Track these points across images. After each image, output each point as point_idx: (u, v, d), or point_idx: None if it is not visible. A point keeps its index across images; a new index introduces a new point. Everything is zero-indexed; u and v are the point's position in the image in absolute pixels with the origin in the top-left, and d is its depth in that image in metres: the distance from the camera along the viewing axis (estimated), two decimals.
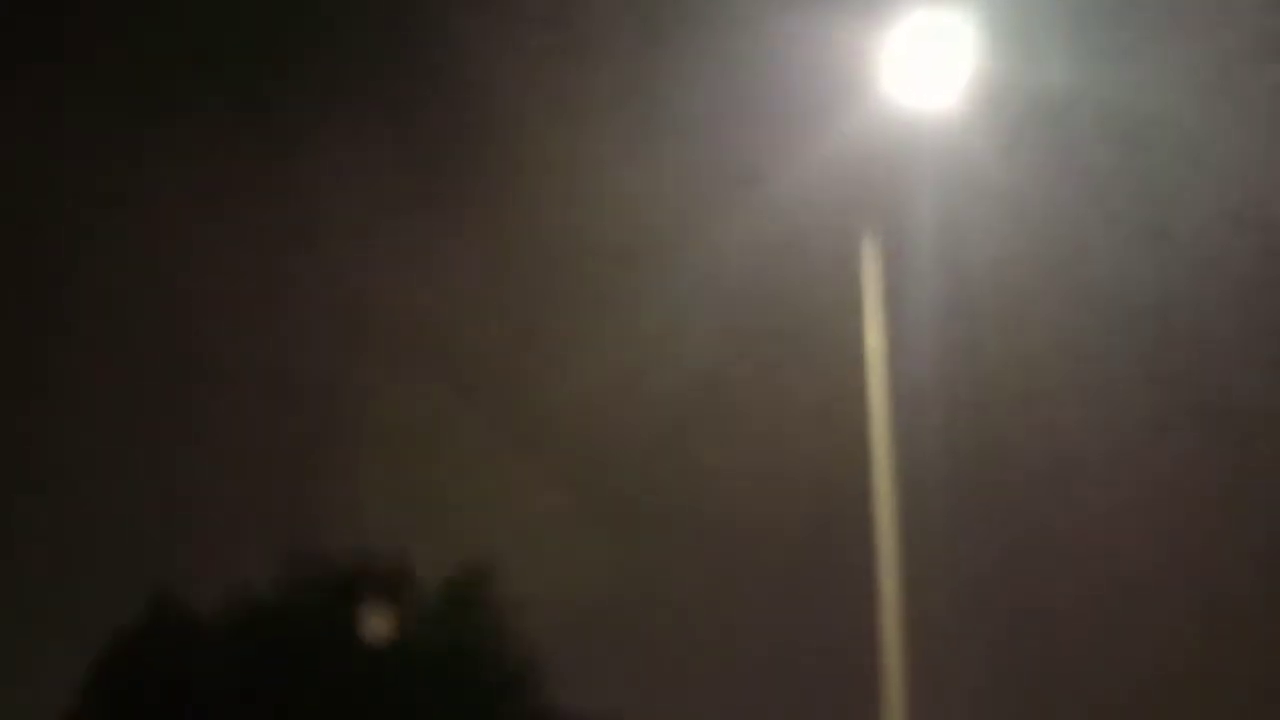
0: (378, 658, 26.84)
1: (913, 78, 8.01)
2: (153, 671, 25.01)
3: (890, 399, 9.78)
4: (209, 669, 25.84)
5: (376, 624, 30.31)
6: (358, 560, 29.69)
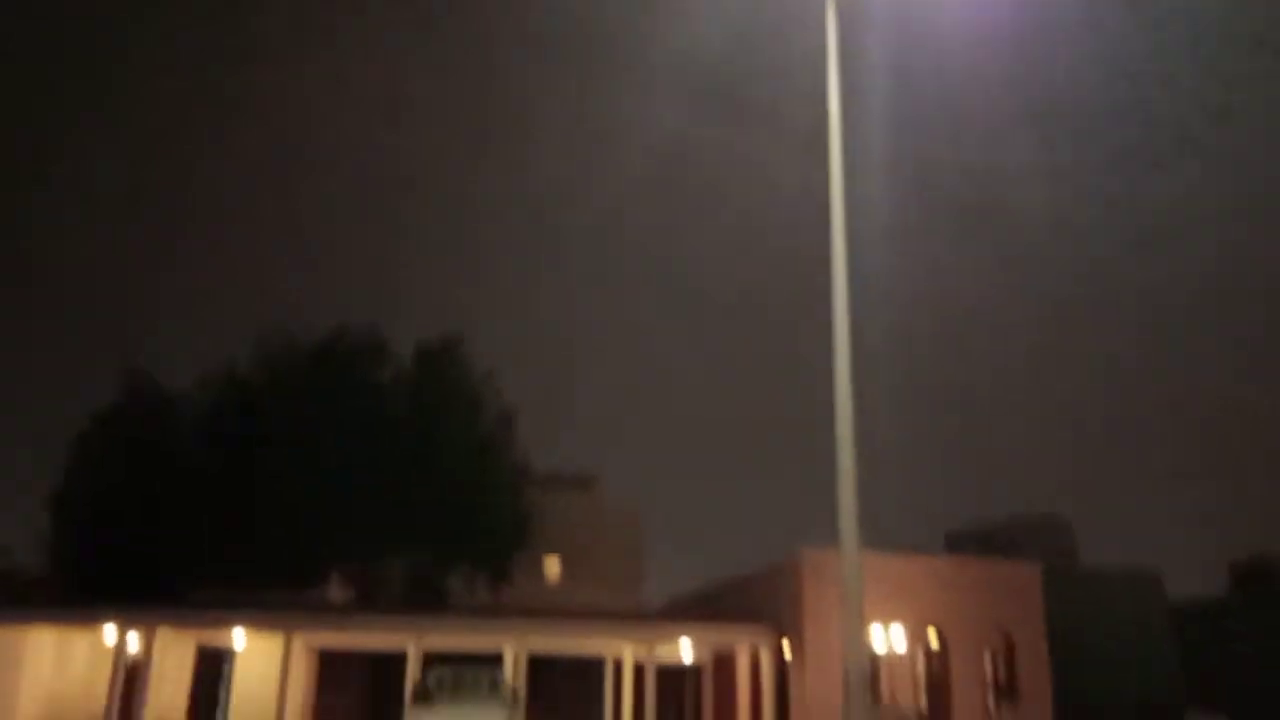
0: (353, 426, 27.62)
1: None
2: (131, 446, 26.15)
3: (846, 169, 10.17)
4: (183, 441, 26.86)
5: (351, 394, 31.07)
6: (331, 334, 30.82)
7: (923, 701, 26.79)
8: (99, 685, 25.17)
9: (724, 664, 31.29)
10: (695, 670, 33.28)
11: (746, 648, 28.81)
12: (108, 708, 24.21)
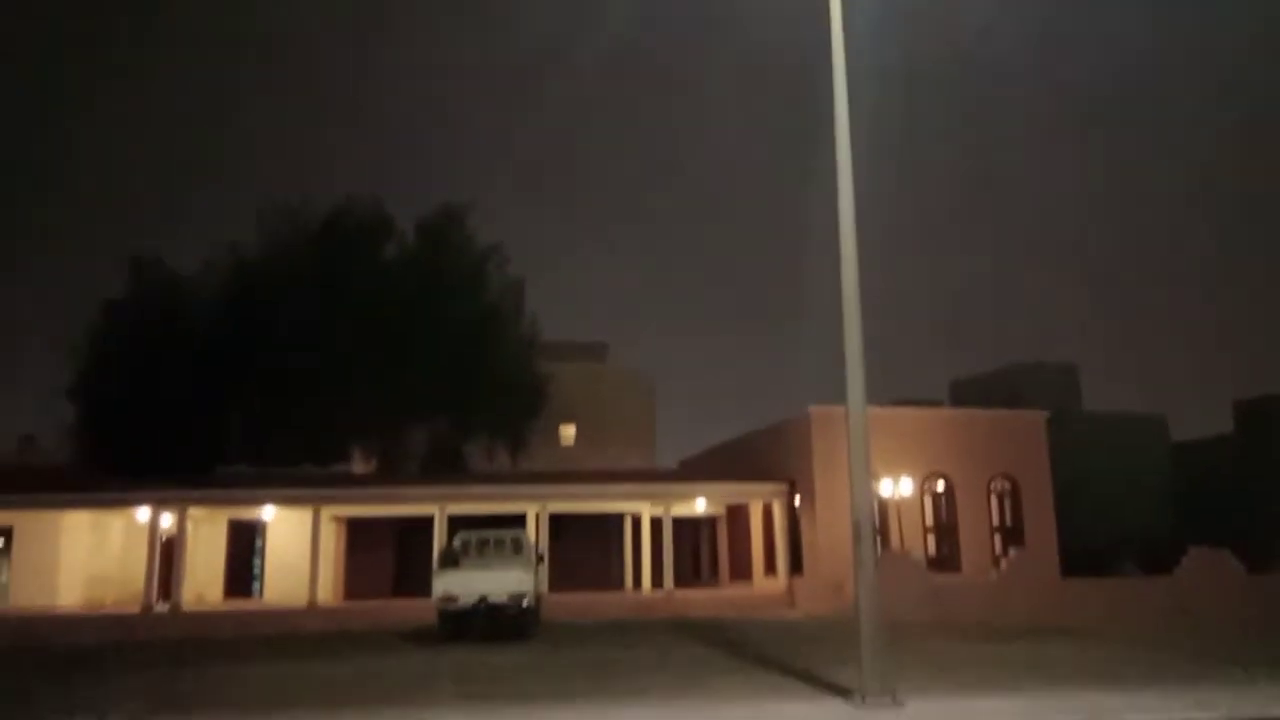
0: (361, 301, 28.18)
1: None
2: (147, 330, 26.75)
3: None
4: (196, 324, 27.42)
5: (358, 269, 31.60)
6: (336, 210, 31.18)
7: (931, 547, 27.75)
8: (136, 562, 26.19)
9: (738, 513, 32.32)
10: (710, 520, 34.39)
11: (760, 501, 29.72)
12: (146, 583, 25.27)
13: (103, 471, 27.11)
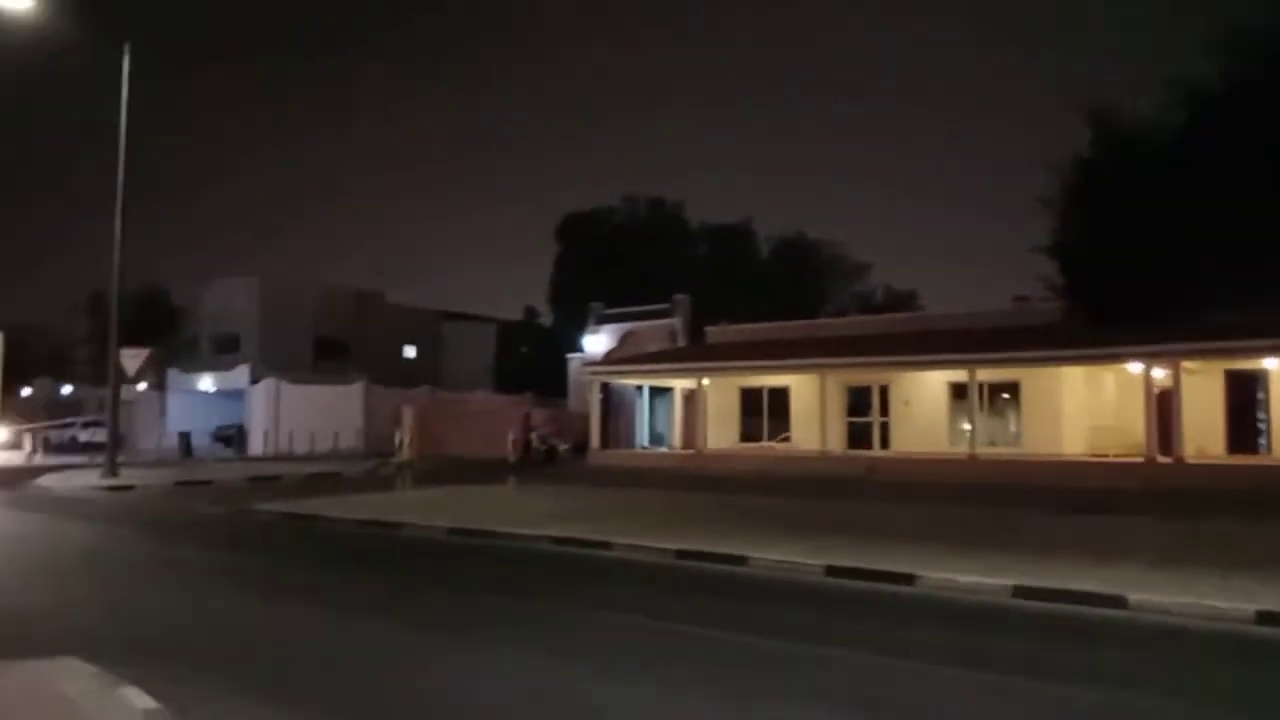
0: None
1: None
2: (1106, 181, 24.21)
3: None
4: (1156, 167, 23.90)
5: None
6: None
7: None
8: (1130, 413, 26.67)
9: None
10: None
11: None
12: (1146, 435, 25.54)
13: (1092, 325, 28.04)
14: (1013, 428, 30.72)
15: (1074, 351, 27.68)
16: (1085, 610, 8.92)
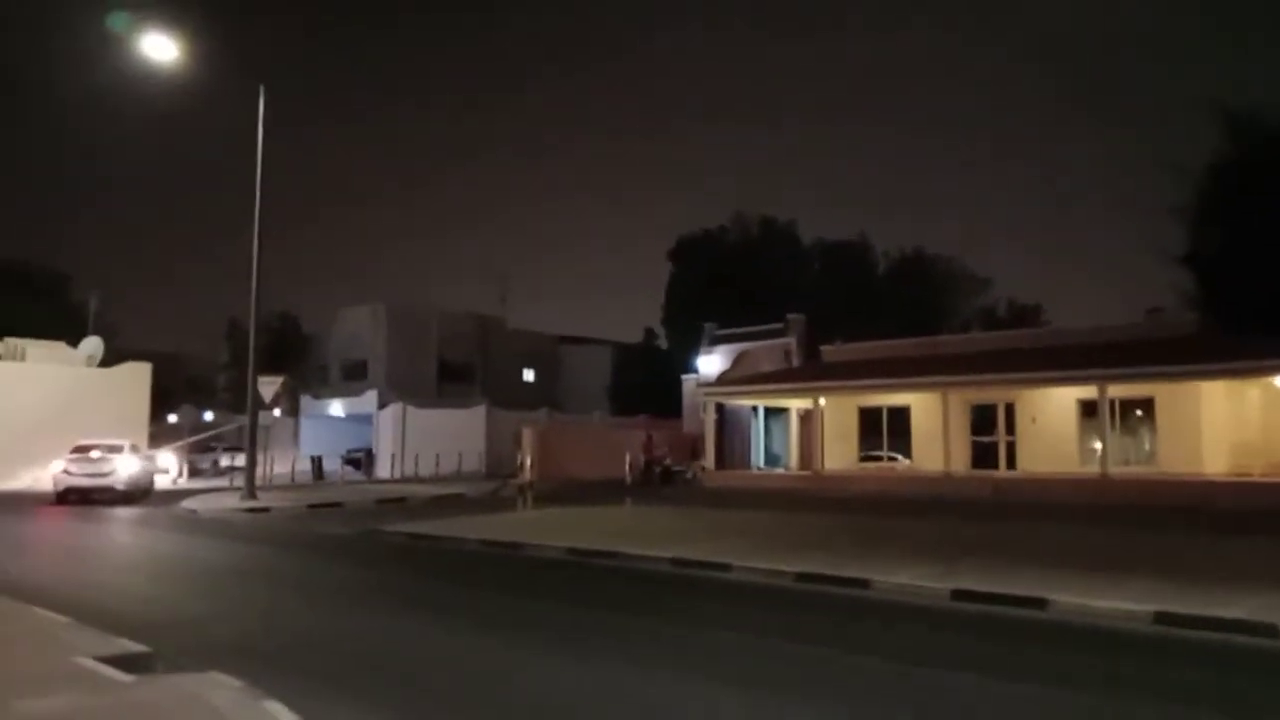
0: None
1: None
2: (1244, 187, 23.00)
3: None
4: None
5: None
6: None
7: None
8: (1277, 430, 25.25)
9: None
10: None
11: None
12: None
13: (1233, 337, 26.66)
14: (1147, 446, 29.39)
15: (1218, 365, 26.31)
16: (1236, 639, 8.47)
